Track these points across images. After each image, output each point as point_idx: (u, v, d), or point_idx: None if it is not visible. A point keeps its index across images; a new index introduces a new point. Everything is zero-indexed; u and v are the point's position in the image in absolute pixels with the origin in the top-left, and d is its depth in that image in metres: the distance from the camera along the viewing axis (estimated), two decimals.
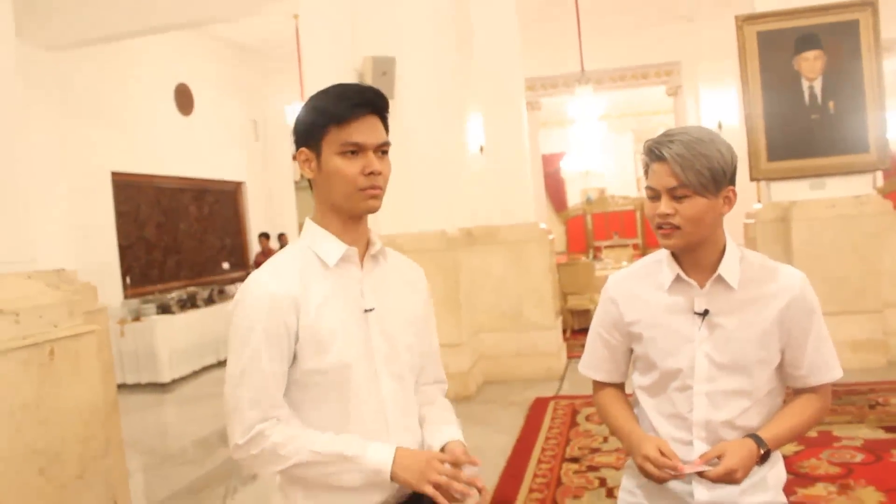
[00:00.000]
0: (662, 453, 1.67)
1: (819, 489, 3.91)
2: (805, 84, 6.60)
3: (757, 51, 6.67)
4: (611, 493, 4.10)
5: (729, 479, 1.63)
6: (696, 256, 1.72)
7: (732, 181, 1.70)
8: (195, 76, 11.18)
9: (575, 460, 4.73)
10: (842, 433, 4.76)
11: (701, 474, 1.64)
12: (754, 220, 6.92)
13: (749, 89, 6.77)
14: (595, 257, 12.53)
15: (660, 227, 1.70)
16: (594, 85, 11.52)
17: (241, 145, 12.48)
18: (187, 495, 4.87)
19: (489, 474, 4.55)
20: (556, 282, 7.84)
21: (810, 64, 6.57)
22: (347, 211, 1.67)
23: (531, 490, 4.28)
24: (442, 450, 1.69)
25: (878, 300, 6.45)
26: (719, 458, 1.65)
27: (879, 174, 13.29)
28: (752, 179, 6.89)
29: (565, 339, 7.80)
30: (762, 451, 1.68)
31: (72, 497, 2.09)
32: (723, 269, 1.70)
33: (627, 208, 15.79)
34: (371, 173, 1.63)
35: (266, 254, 10.83)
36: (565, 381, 6.98)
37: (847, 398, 5.49)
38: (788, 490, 3.76)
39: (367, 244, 1.73)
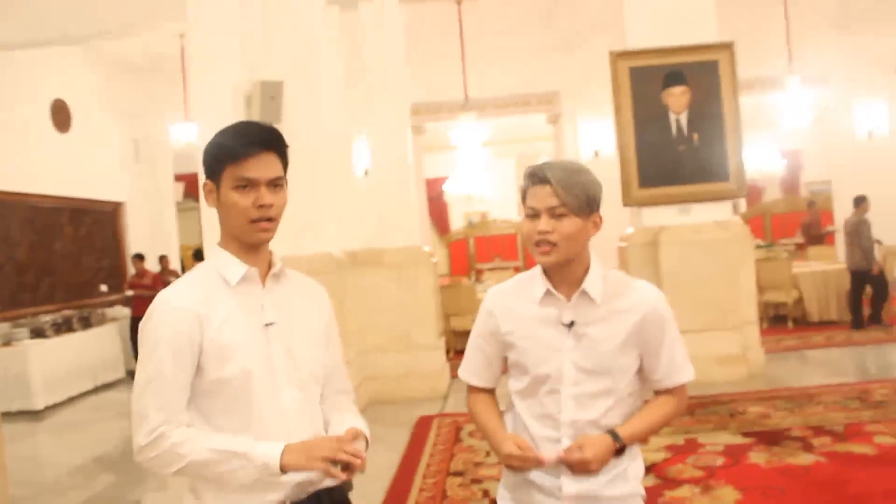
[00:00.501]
0: (520, 448, 1.86)
1: (684, 490, 4.23)
2: (672, 117, 7.09)
3: (629, 85, 7.12)
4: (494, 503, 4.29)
5: (584, 468, 1.83)
6: (565, 273, 1.91)
7: (599, 208, 1.92)
8: (73, 92, 10.82)
9: (459, 474, 4.91)
10: (706, 440, 5.14)
11: (563, 462, 1.84)
12: (627, 243, 7.33)
13: (622, 120, 7.20)
14: (477, 279, 12.83)
15: (538, 245, 1.85)
16: (478, 111, 11.86)
17: (122, 165, 12.10)
18: None
19: (376, 491, 4.66)
20: (439, 303, 8.04)
21: (677, 99, 7.06)
22: (243, 239, 1.77)
23: (417, 503, 4.42)
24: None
25: (738, 318, 6.95)
26: (580, 450, 1.84)
27: (742, 201, 14.24)
28: (624, 205, 7.31)
29: (448, 360, 8.00)
30: (618, 445, 1.88)
31: None
32: (587, 285, 1.88)
33: (509, 232, 16.23)
34: (262, 206, 1.73)
35: (141, 276, 10.50)
36: (449, 399, 7.17)
37: (711, 408, 5.91)
38: (657, 493, 4.07)
39: (269, 265, 1.86)
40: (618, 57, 7.17)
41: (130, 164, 12.31)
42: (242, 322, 1.75)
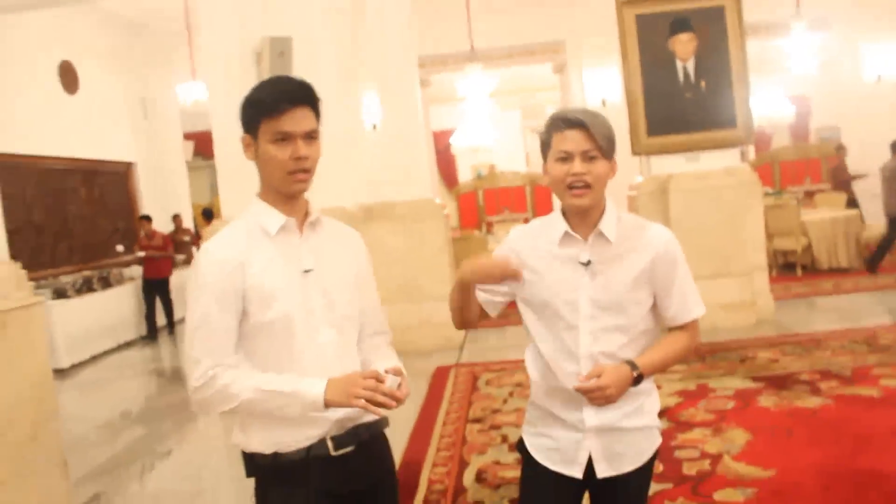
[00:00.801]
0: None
1: (696, 433, 4.35)
2: (679, 64, 7.08)
3: (636, 32, 7.10)
4: (513, 448, 4.43)
5: (602, 394, 1.91)
6: (583, 215, 2.01)
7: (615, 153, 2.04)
8: (80, 53, 10.81)
9: (478, 420, 5.05)
10: (716, 385, 5.25)
11: (581, 390, 1.93)
12: (636, 192, 7.38)
13: (629, 69, 7.20)
14: (488, 232, 12.90)
15: (571, 187, 1.94)
16: (483, 63, 11.80)
17: (131, 125, 12.13)
18: (100, 475, 4.93)
19: (398, 439, 4.81)
20: (451, 255, 8.13)
21: (683, 46, 7.05)
22: (281, 190, 1.88)
23: (439, 449, 4.56)
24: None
25: (746, 264, 7.03)
26: (598, 377, 1.93)
27: (751, 148, 14.20)
28: (633, 154, 7.35)
29: None
30: (635, 374, 1.97)
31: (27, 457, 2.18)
32: (603, 227, 1.98)
33: (517, 184, 16.21)
34: (298, 158, 1.83)
35: (150, 237, 10.35)
36: (464, 350, 7.31)
37: (721, 354, 6.02)
38: (670, 436, 4.19)
39: (306, 215, 1.96)
40: (624, 5, 7.14)
41: (139, 124, 12.34)
42: (282, 269, 1.86)
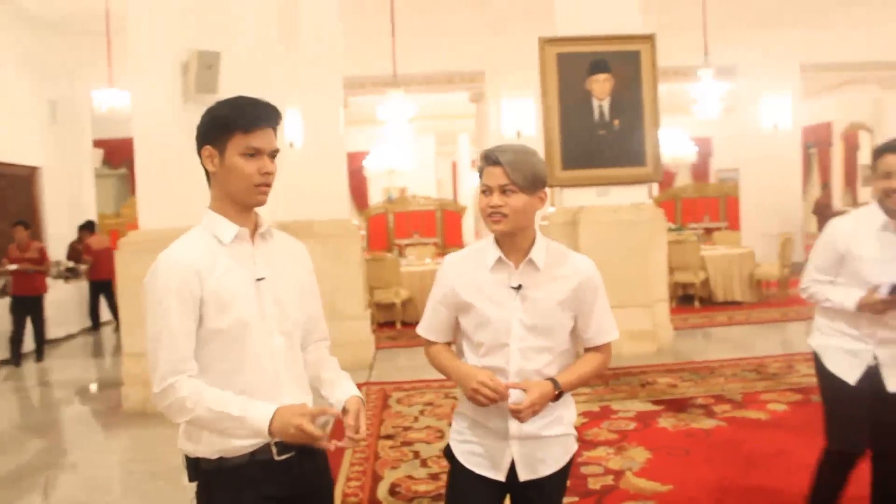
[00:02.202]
0: (489, 380, 2.13)
1: (600, 451, 4.60)
2: (595, 103, 7.44)
3: (556, 70, 7.42)
4: (424, 463, 4.57)
5: (532, 411, 2.11)
6: (514, 243, 2.20)
7: (544, 186, 2.23)
8: None
9: (390, 437, 5.17)
10: (619, 407, 5.54)
11: (513, 410, 2.10)
12: (548, 222, 7.66)
13: (548, 104, 7.50)
14: (400, 254, 13.05)
15: (490, 216, 2.15)
16: (404, 87, 11.98)
17: (38, 128, 11.75)
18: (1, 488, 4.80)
19: None
20: (365, 275, 8.23)
21: (600, 85, 7.41)
22: (241, 202, 1.97)
23: (352, 464, 4.66)
24: (344, 408, 2.01)
25: (649, 295, 7.40)
26: (525, 390, 2.12)
27: (655, 185, 14.86)
28: (548, 186, 7.63)
29: (372, 331, 8.21)
30: (556, 392, 2.17)
31: None
32: (533, 254, 2.18)
33: (428, 208, 16.45)
34: (266, 173, 1.95)
35: (24, 248, 8.76)
36: (374, 368, 7.41)
37: (623, 379, 6.33)
38: (576, 454, 4.40)
39: (256, 226, 2.03)
40: (546, 43, 7.46)
41: (47, 127, 11.92)
42: (238, 276, 1.96)
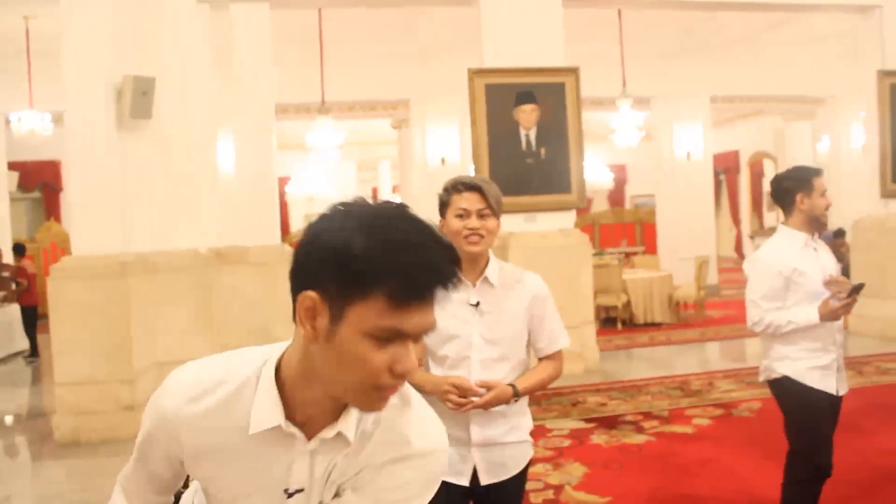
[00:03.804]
0: (459, 384, 2.33)
1: (539, 468, 4.76)
2: (522, 132, 7.71)
3: (484, 100, 7.67)
4: None
5: (487, 403, 2.32)
6: (471, 265, 2.39)
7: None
8: None
9: None
10: (553, 425, 5.74)
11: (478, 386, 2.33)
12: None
13: (477, 133, 7.73)
14: None
15: (468, 237, 2.32)
16: (328, 114, 12.06)
17: None
18: None
19: None
20: None
21: (527, 115, 7.70)
22: (342, 398, 1.21)
23: None
24: None
25: (577, 318, 7.66)
26: (487, 388, 2.32)
27: (574, 211, 15.33)
28: None
29: None
30: (514, 398, 2.37)
31: None
32: (488, 273, 2.39)
33: None
34: (401, 374, 1.15)
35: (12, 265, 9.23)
36: None
37: (554, 399, 6.55)
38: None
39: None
40: (475, 74, 7.70)
41: None
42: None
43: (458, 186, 2.37)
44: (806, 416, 3.19)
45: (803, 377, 3.16)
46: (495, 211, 2.35)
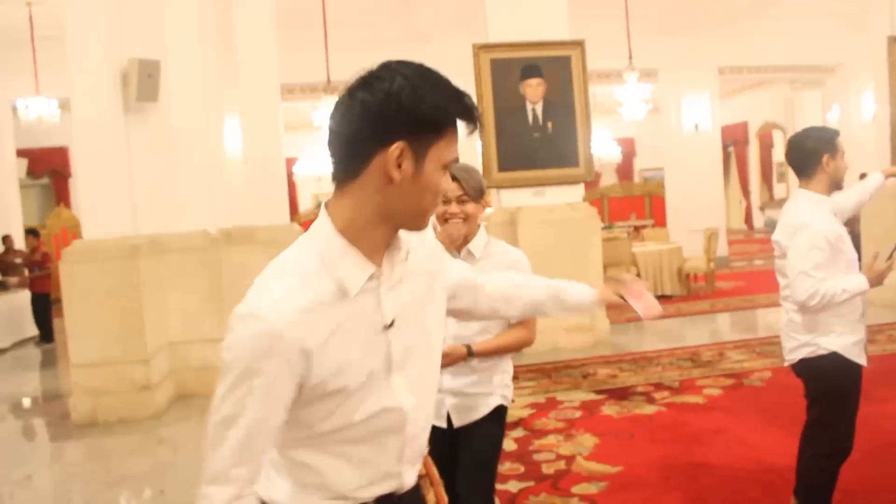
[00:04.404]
0: None
1: (550, 439, 4.82)
2: (529, 107, 7.70)
3: (490, 75, 7.65)
4: None
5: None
6: (455, 240, 2.61)
7: (485, 195, 2.69)
8: None
9: None
10: (563, 397, 5.78)
11: None
12: (487, 222, 7.88)
13: (483, 108, 7.70)
14: None
15: (447, 220, 2.59)
16: (336, 94, 12.03)
17: None
18: None
19: None
20: None
21: (533, 90, 7.68)
22: (413, 226, 1.42)
23: None
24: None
25: None
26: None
27: (582, 185, 15.30)
28: (486, 187, 7.86)
29: None
30: (469, 353, 2.54)
31: None
32: (471, 246, 2.65)
33: None
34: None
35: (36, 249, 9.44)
36: None
37: (564, 371, 6.58)
38: (527, 442, 4.61)
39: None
40: (480, 49, 7.68)
41: None
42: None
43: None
44: (846, 394, 3.08)
45: (850, 352, 3.03)
46: (473, 197, 2.59)
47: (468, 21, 9.31)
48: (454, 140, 1.37)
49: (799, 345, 3.12)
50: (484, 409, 2.68)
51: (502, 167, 7.76)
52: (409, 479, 1.53)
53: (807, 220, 2.99)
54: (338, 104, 1.37)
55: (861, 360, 3.08)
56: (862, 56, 11.62)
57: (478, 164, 7.63)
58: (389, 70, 1.35)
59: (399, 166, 1.32)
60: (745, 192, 21.34)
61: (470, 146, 9.16)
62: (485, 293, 1.90)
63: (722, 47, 13.03)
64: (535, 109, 7.72)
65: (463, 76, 7.80)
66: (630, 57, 10.89)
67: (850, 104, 13.38)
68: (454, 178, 2.55)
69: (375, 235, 1.38)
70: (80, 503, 4.78)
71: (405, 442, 1.48)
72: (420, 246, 1.50)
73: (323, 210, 1.41)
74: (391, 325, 1.41)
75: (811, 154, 3.06)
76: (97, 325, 6.11)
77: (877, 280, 2.95)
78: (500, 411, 2.72)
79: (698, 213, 13.26)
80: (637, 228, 14.82)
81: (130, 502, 4.59)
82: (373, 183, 1.34)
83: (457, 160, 1.42)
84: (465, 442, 2.70)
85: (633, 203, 17.11)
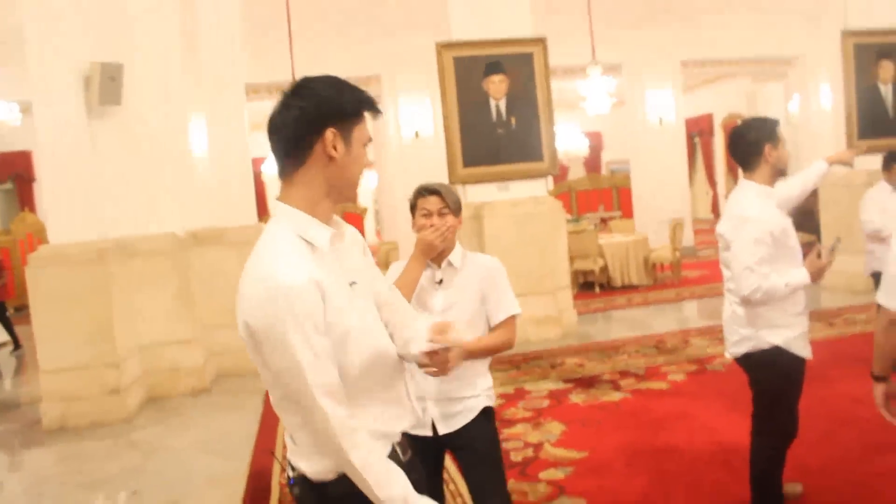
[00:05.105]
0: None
1: (519, 428, 4.92)
2: (493, 103, 7.78)
3: (454, 73, 7.72)
4: None
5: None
6: (441, 253, 2.74)
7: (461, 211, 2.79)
8: None
9: None
10: (532, 387, 5.88)
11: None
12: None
13: (447, 105, 7.79)
14: None
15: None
16: None
17: None
18: None
19: (243, 452, 5.03)
20: None
21: (496, 86, 7.77)
22: (346, 196, 1.79)
23: (284, 456, 4.81)
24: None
25: (552, 283, 7.80)
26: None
27: (550, 178, 15.45)
28: (450, 183, 7.94)
29: None
30: None
31: None
32: (451, 258, 2.76)
33: None
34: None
35: None
36: None
37: (533, 362, 6.69)
38: (498, 429, 4.69)
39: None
40: (443, 47, 7.75)
41: None
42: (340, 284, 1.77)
43: (422, 192, 2.75)
44: (788, 386, 3.13)
45: (792, 346, 3.07)
46: (453, 210, 2.72)
47: (431, 20, 9.38)
48: (366, 124, 1.76)
49: (741, 338, 3.17)
50: (471, 413, 2.72)
51: (467, 163, 7.83)
52: (420, 414, 1.96)
53: (752, 213, 3.02)
54: (275, 115, 1.73)
55: (804, 352, 3.12)
56: (819, 49, 11.91)
57: (438, 159, 7.71)
58: (311, 81, 1.73)
59: (335, 147, 1.70)
60: (712, 182, 21.60)
61: (436, 142, 9.23)
62: (390, 306, 1.98)
63: (685, 41, 13.25)
64: (499, 105, 7.81)
65: (427, 74, 7.91)
66: (593, 52, 11.02)
67: (809, 95, 13.64)
68: (435, 192, 2.70)
69: (324, 208, 1.74)
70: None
71: (406, 380, 1.91)
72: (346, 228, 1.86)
73: (277, 202, 1.75)
74: (354, 284, 1.77)
75: (753, 145, 3.10)
76: (66, 330, 6.11)
77: (818, 274, 2.98)
78: (488, 412, 2.78)
79: (664, 204, 13.45)
80: (604, 220, 14.99)
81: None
82: (318, 165, 1.71)
83: (370, 139, 1.79)
84: (464, 447, 2.73)
85: (601, 195, 17.30)
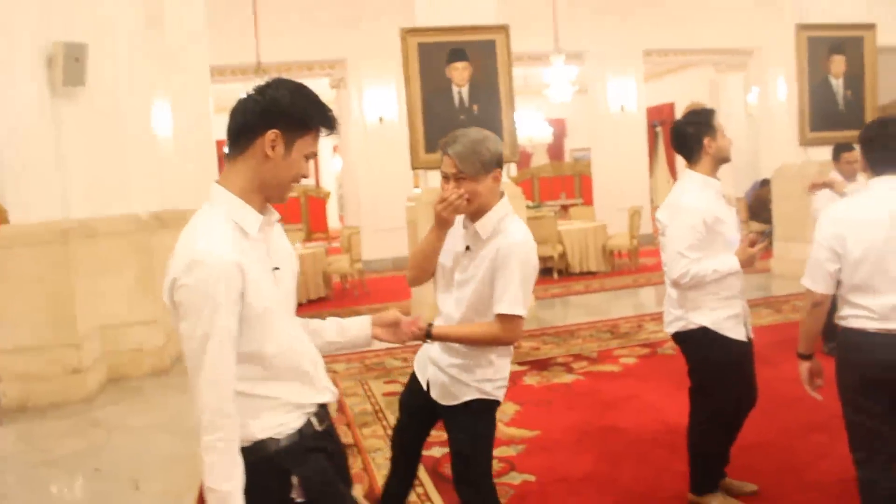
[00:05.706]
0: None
1: None
2: (455, 90, 7.90)
3: (418, 59, 7.81)
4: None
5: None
6: (471, 216, 2.54)
7: (499, 165, 2.54)
8: None
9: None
10: None
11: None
12: (415, 203, 8.07)
13: (410, 91, 7.88)
14: None
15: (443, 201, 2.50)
16: (267, 76, 12.02)
17: None
18: None
19: None
20: None
21: (459, 73, 7.88)
22: (274, 195, 1.89)
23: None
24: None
25: None
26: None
27: (513, 166, 15.59)
28: (412, 168, 8.05)
29: None
30: (426, 336, 2.47)
31: None
32: (478, 225, 2.51)
33: (292, 194, 16.47)
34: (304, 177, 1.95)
35: None
36: None
37: None
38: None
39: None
40: (407, 33, 7.84)
41: None
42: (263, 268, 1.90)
43: (443, 147, 2.55)
44: (721, 366, 3.24)
45: (721, 327, 3.18)
46: (469, 174, 2.45)
47: (397, 5, 9.44)
48: (316, 139, 1.88)
49: (673, 318, 3.33)
50: (452, 399, 2.59)
51: (429, 149, 7.93)
52: (333, 389, 2.04)
53: (687, 201, 3.18)
54: (240, 102, 1.88)
55: (734, 333, 3.22)
56: (776, 41, 12.15)
57: (401, 144, 7.78)
58: (280, 83, 1.85)
59: (273, 148, 1.82)
60: (673, 170, 21.90)
61: (400, 127, 9.30)
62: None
63: (647, 31, 13.46)
64: (462, 92, 7.92)
65: (392, 59, 7.98)
66: (556, 40, 11.17)
67: (767, 87, 13.94)
68: (445, 153, 2.50)
69: (257, 200, 1.87)
70: (13, 482, 4.84)
71: (315, 357, 2.01)
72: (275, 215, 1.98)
73: (215, 185, 1.91)
74: (277, 269, 1.91)
75: (693, 139, 3.25)
76: (27, 310, 6.11)
77: (748, 262, 3.12)
78: (473, 405, 2.58)
79: (624, 191, 13.68)
80: (565, 207, 15.19)
81: (64, 481, 4.66)
82: (255, 158, 1.84)
83: (315, 154, 1.92)
84: (447, 428, 2.67)
85: (563, 182, 17.51)
